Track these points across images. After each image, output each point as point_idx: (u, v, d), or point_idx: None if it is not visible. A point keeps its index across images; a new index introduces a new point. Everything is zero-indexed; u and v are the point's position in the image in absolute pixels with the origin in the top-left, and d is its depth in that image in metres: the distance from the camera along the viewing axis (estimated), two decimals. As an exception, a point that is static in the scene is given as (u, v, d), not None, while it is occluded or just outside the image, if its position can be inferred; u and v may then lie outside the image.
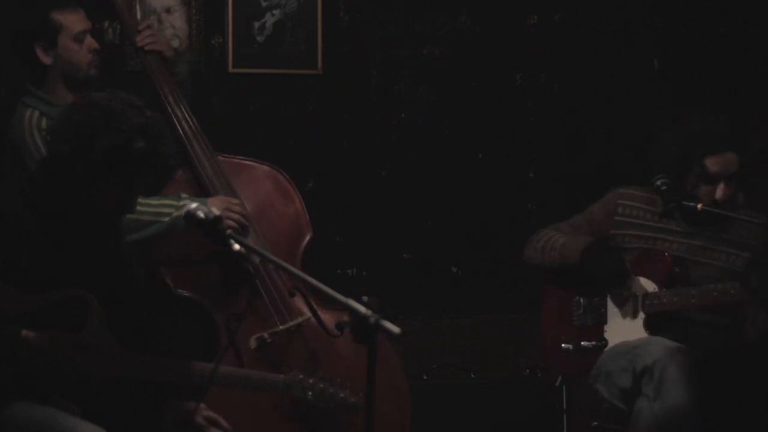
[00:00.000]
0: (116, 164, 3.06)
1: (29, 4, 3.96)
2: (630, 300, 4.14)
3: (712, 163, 4.04)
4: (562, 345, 4.20)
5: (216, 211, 3.10)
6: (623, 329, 4.13)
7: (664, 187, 4.07)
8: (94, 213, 3.17)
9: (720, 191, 4.04)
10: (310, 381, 3.43)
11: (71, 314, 3.06)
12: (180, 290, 3.96)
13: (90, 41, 3.96)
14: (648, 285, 4.12)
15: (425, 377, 4.87)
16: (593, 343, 4.16)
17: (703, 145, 4.03)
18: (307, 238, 4.16)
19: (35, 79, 3.93)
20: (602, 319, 4.19)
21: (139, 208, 3.72)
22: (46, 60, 3.90)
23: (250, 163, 4.19)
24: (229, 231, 3.02)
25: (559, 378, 4.49)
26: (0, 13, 4.12)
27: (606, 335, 4.16)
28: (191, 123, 4.07)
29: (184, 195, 3.88)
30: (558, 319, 4.24)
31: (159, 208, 3.81)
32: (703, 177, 4.05)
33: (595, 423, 4.15)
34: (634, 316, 4.13)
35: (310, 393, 3.43)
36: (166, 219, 3.80)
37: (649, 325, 4.09)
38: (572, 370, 4.25)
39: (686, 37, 5.44)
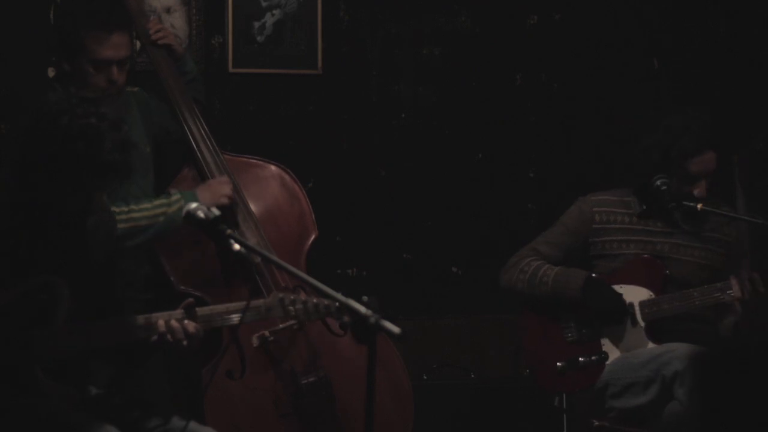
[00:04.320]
0: (58, 166, 3.03)
1: (66, 17, 3.94)
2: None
3: (692, 165, 4.06)
4: (557, 364, 4.16)
5: (216, 211, 3.10)
6: (624, 340, 4.11)
7: (664, 187, 4.08)
8: (69, 205, 3.15)
9: (701, 190, 4.07)
10: (291, 297, 3.32)
11: (41, 303, 3.06)
12: (182, 287, 3.97)
13: (112, 72, 3.86)
14: (641, 293, 4.11)
15: (425, 377, 4.87)
16: (593, 357, 4.13)
17: (683, 148, 4.06)
18: (313, 237, 4.16)
19: (61, 77, 3.94)
20: (599, 333, 4.16)
21: (134, 215, 3.77)
22: (65, 66, 3.91)
23: (256, 162, 4.20)
24: (229, 231, 3.02)
25: (556, 398, 4.47)
26: (12, 21, 4.14)
27: (604, 348, 4.14)
28: (198, 121, 4.08)
29: (173, 191, 3.89)
30: (545, 337, 4.19)
31: (153, 210, 3.83)
32: (685, 177, 4.07)
33: (596, 423, 4.14)
34: (633, 325, 4.11)
35: (292, 309, 3.31)
36: (161, 219, 3.81)
37: (652, 333, 4.08)
38: (570, 387, 4.21)
39: (686, 37, 5.44)
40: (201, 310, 3.23)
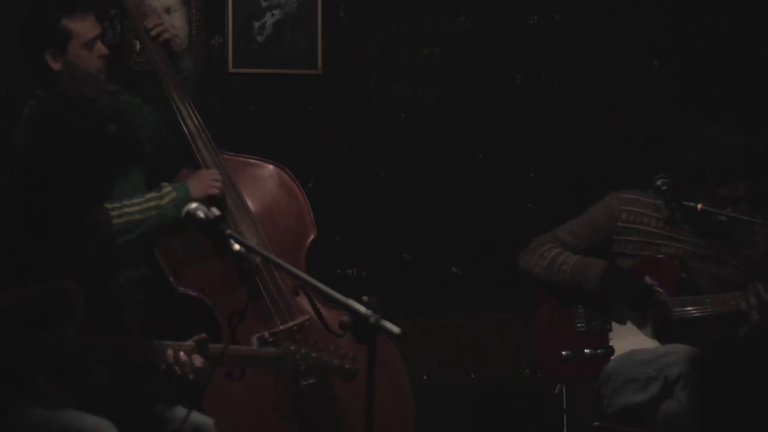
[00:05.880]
0: (90, 149, 3.03)
1: (40, 11, 3.95)
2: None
3: (724, 190, 4.04)
4: (562, 352, 4.16)
5: (216, 211, 3.10)
6: (631, 337, 4.10)
7: (664, 188, 4.07)
8: (71, 203, 3.14)
9: (727, 211, 4.04)
10: (303, 351, 3.33)
11: (53, 308, 3.05)
12: (182, 288, 3.97)
13: (99, 47, 3.97)
14: (654, 292, 4.09)
15: (425, 377, 4.87)
16: (599, 350, 4.13)
17: (719, 172, 4.00)
18: (311, 237, 4.17)
19: (44, 83, 3.93)
20: (608, 327, 4.16)
21: (126, 210, 3.79)
22: (56, 66, 3.91)
23: (254, 161, 4.20)
24: (229, 231, 3.02)
25: (558, 386, 4.47)
26: (10, 19, 4.13)
27: (611, 342, 4.14)
28: (195, 120, 4.09)
29: (164, 183, 3.92)
30: (555, 324, 4.19)
31: (145, 203, 3.87)
32: (713, 198, 4.04)
33: (596, 423, 4.14)
34: (644, 323, 4.11)
35: (303, 365, 3.33)
36: (154, 212, 3.83)
37: (659, 333, 4.07)
38: (572, 377, 4.21)
39: (686, 37, 5.44)
40: (213, 347, 3.21)
